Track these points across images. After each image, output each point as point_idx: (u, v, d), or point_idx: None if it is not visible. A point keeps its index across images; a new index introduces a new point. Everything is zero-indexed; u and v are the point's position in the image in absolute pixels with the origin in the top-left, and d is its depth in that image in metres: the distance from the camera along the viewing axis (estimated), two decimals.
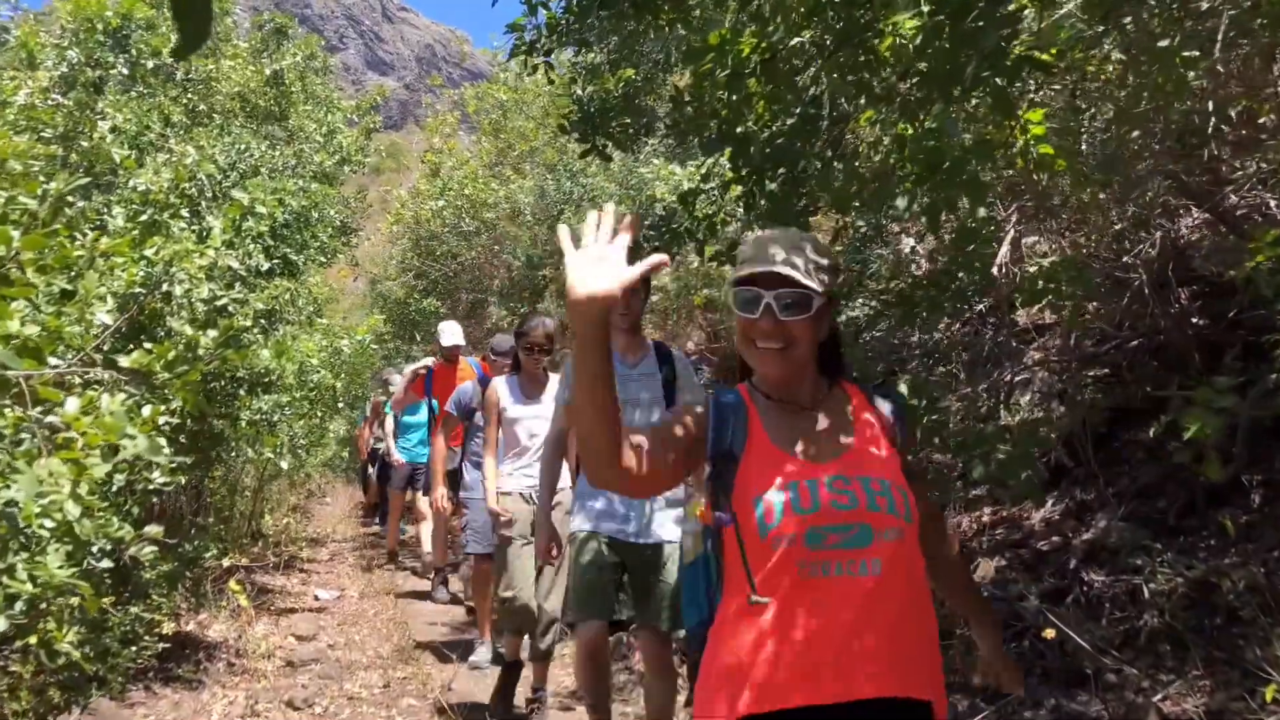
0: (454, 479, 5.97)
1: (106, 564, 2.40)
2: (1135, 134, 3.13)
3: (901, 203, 2.01)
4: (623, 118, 3.16)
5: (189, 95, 7.19)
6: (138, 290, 4.13)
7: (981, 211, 2.75)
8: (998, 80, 1.87)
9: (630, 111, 3.16)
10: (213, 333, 3.35)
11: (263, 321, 6.23)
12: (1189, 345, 4.48)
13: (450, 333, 6.87)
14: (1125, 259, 5.11)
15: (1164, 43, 2.25)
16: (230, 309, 4.30)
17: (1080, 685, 3.98)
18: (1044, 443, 4.71)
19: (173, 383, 2.76)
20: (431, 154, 10.30)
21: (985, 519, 6.02)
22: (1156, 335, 5.24)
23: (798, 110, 2.14)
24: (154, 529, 2.85)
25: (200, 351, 3.24)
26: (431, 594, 7.40)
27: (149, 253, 4.00)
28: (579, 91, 3.24)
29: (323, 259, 7.86)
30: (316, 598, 7.65)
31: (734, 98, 2.21)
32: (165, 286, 4.17)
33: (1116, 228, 5.08)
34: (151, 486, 2.57)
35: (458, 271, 10.61)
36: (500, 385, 4.63)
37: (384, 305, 11.38)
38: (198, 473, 4.84)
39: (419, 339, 12.38)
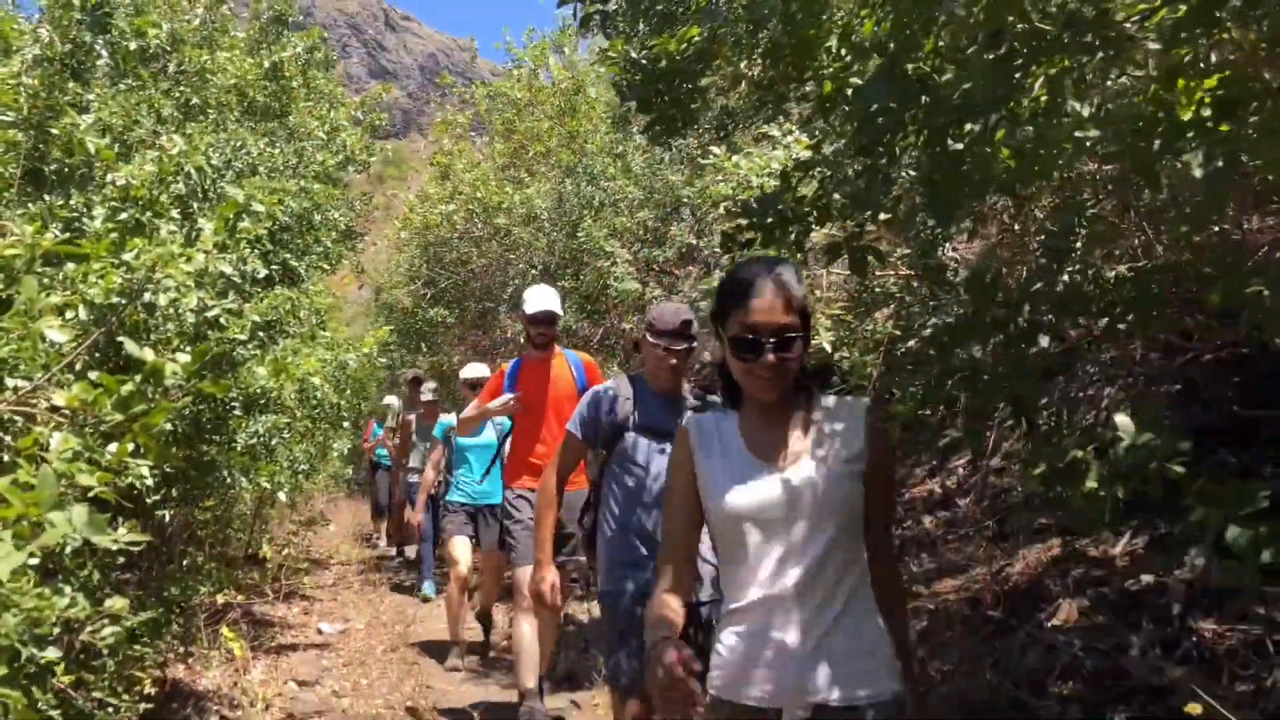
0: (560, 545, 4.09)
1: (53, 653, 1.86)
2: None
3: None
4: (693, 81, 2.61)
5: (181, 88, 6.66)
6: (116, 300, 3.59)
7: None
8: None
9: (697, 76, 2.61)
10: (183, 357, 2.75)
11: (261, 335, 5.69)
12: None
13: (543, 298, 4.72)
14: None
15: None
16: (224, 321, 3.74)
17: None
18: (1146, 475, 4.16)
19: (128, 425, 2.20)
20: (441, 155, 9.77)
21: (1055, 550, 5.44)
22: (1237, 347, 4.71)
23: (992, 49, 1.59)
24: (117, 602, 2.29)
25: (168, 382, 2.65)
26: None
27: (128, 256, 3.45)
28: (634, 54, 2.67)
29: (326, 265, 7.31)
30: (320, 631, 7.07)
31: (908, 28, 1.66)
32: (148, 295, 3.62)
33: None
34: (117, 546, 2.03)
35: (467, 279, 10.06)
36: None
37: (390, 315, 10.82)
38: (185, 507, 4.29)
39: (425, 350, 11.82)
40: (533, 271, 8.03)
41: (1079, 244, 2.70)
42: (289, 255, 6.56)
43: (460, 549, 6.07)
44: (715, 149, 4.21)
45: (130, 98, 5.37)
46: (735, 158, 4.20)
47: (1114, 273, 2.82)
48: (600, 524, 3.26)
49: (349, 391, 6.10)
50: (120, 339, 3.99)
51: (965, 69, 1.62)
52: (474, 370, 7.10)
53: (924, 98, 1.67)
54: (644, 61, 2.60)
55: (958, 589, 5.67)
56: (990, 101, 1.52)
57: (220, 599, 5.33)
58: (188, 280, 3.79)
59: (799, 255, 2.83)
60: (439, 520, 6.94)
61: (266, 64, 7.21)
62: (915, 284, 4.64)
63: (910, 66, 1.72)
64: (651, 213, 7.57)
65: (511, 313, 8.98)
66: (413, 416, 9.03)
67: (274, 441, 5.23)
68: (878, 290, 4.26)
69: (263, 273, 4.19)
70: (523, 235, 8.30)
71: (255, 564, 7.42)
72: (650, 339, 3.18)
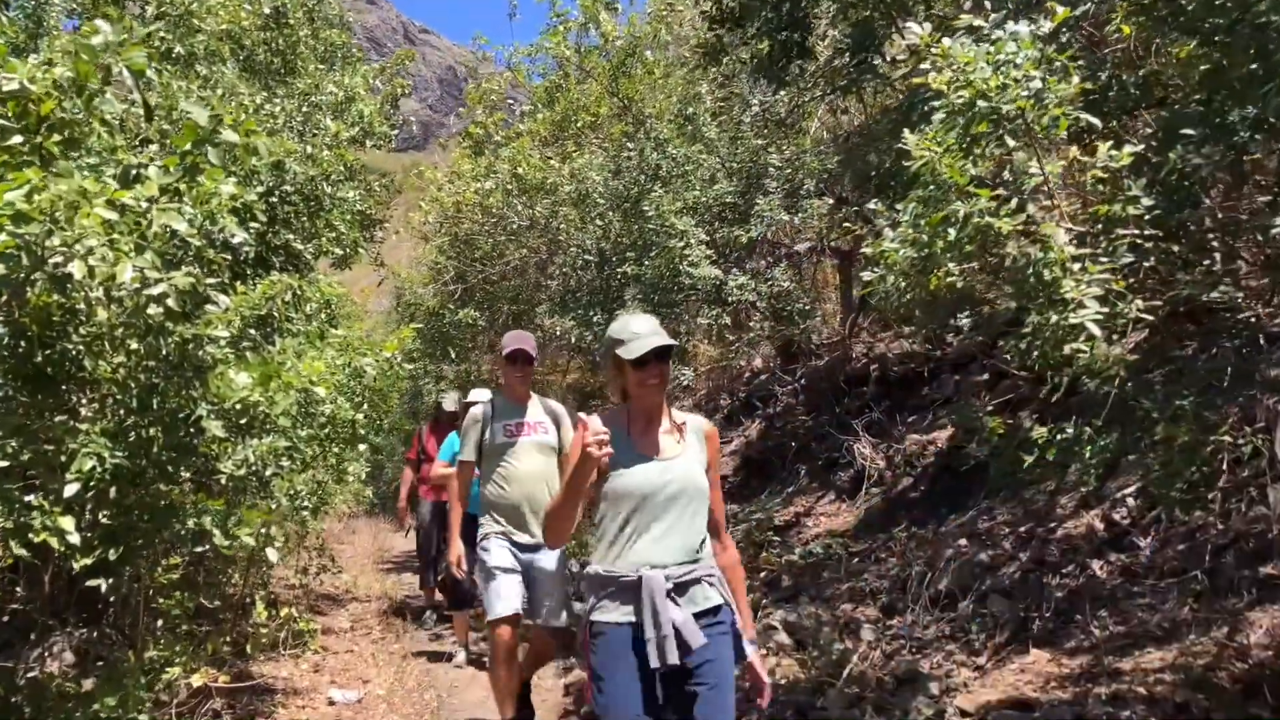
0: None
1: None
2: None
3: None
4: None
5: (163, 35, 5.40)
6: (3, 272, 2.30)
7: None
8: None
9: None
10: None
11: (252, 331, 4.38)
12: None
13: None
14: None
15: None
16: (172, 303, 2.43)
17: None
18: None
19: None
20: (476, 126, 8.48)
21: None
22: None
23: None
24: None
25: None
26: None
27: (13, 195, 2.16)
28: None
29: (339, 251, 6.03)
30: (331, 702, 5.75)
31: None
32: (56, 262, 2.33)
33: None
34: None
35: (503, 275, 8.74)
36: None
37: (413, 317, 9.55)
38: (125, 569, 2.99)
39: (453, 356, 10.52)
40: (585, 258, 6.70)
41: None
42: (291, 236, 5.27)
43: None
44: (914, 26, 2.87)
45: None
46: (949, 41, 2.86)
47: None
48: None
49: (366, 404, 4.80)
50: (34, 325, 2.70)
51: None
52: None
53: None
54: None
55: (1173, 666, 4.25)
56: None
57: (197, 680, 4.01)
58: (120, 241, 2.49)
59: None
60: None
61: (266, 8, 5.94)
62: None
63: None
64: (731, 185, 6.23)
65: (560, 312, 7.62)
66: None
67: (269, 472, 3.92)
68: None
69: (238, 243, 2.86)
70: (572, 217, 6.97)
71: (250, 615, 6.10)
72: None
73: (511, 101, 9.30)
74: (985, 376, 7.84)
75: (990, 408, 4.90)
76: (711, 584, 2.52)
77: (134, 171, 2.44)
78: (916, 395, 8.42)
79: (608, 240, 6.81)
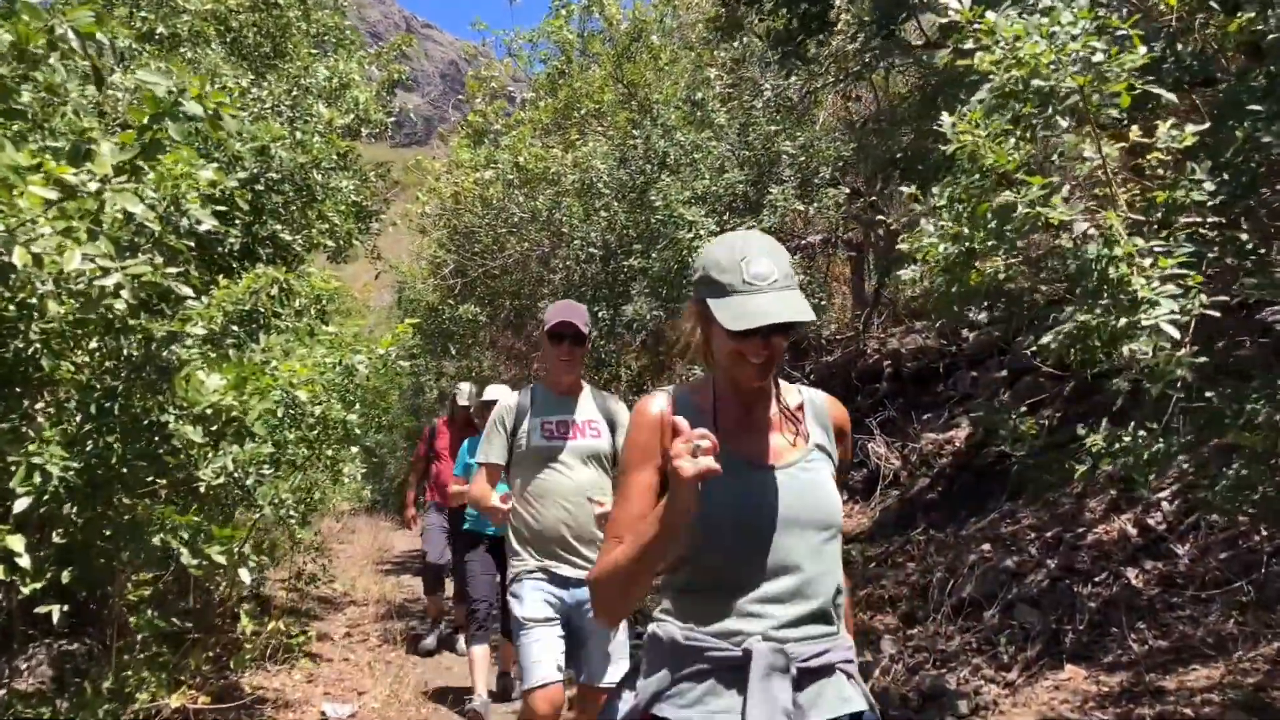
0: None
1: None
2: None
3: None
4: None
5: (144, 14, 5.12)
6: None
7: None
8: None
9: None
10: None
11: (235, 328, 4.11)
12: None
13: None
14: None
15: None
16: (126, 294, 2.15)
17: None
18: None
19: None
20: (476, 115, 8.18)
21: None
22: None
23: None
24: None
25: None
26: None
27: None
28: None
29: (331, 244, 5.75)
30: (324, 715, 5.48)
31: None
32: None
33: None
34: None
35: (502, 269, 8.46)
36: None
37: (415, 312, 9.27)
38: (81, 592, 2.72)
39: (454, 353, 10.25)
40: (590, 250, 6.41)
41: None
42: (280, 227, 4.99)
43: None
44: (954, 1, 2.58)
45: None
46: (994, 15, 2.57)
47: None
48: None
49: (357, 405, 4.52)
50: None
51: None
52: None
53: None
54: None
55: (1221, 684, 3.96)
56: None
57: (175, 701, 3.75)
58: (73, 226, 2.23)
59: None
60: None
61: None
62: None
63: None
64: (743, 173, 5.94)
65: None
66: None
67: (250, 481, 3.65)
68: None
69: (205, 230, 2.57)
70: (575, 208, 6.68)
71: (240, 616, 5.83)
72: None
73: (512, 89, 9.01)
74: (1004, 373, 7.56)
75: (1023, 408, 4.60)
76: (851, 674, 1.63)
77: (85, 148, 2.17)
78: (932, 392, 8.14)
79: (613, 232, 6.53)
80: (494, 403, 5.09)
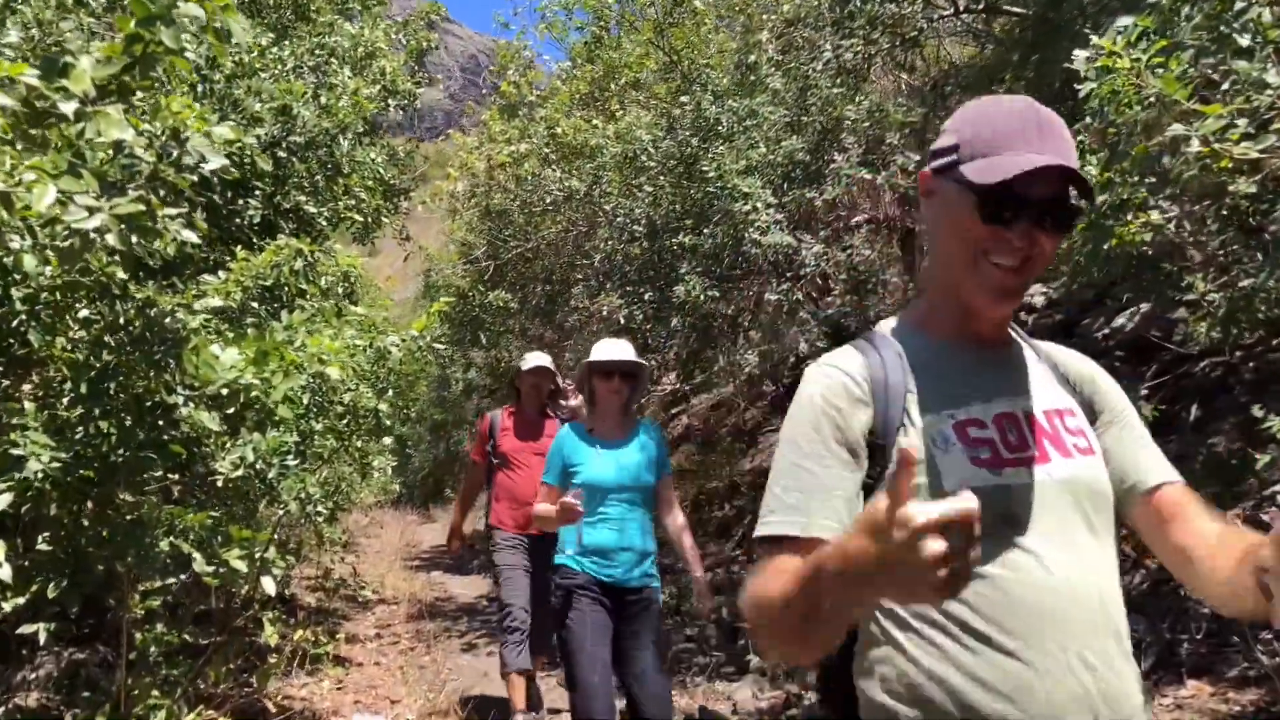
0: None
1: None
2: None
3: None
4: None
5: None
6: None
7: None
8: None
9: None
10: None
11: (255, 305, 3.70)
12: None
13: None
14: None
15: None
16: (112, 238, 1.73)
17: None
18: None
19: None
20: (509, 85, 7.74)
21: None
22: None
23: None
24: None
25: None
26: None
27: None
28: None
29: (359, 218, 5.34)
30: None
31: None
32: None
33: None
34: None
35: (536, 252, 8.03)
36: None
37: (442, 296, 8.84)
38: (75, 608, 2.32)
39: (484, 342, 9.84)
40: (634, 229, 5.96)
41: None
42: (303, 198, 4.59)
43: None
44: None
45: None
46: None
47: None
48: None
49: (390, 392, 4.11)
50: None
51: None
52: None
53: None
54: None
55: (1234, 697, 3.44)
56: None
57: (189, 718, 3.35)
58: (50, 157, 1.81)
59: None
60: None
61: None
62: None
63: None
64: (801, 140, 5.46)
65: (598, 295, 6.87)
66: None
67: (273, 474, 3.24)
68: None
69: (210, 169, 2.14)
70: (616, 183, 6.23)
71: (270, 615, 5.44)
72: None
73: (545, 59, 8.57)
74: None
75: (1144, 391, 4.11)
76: None
77: (61, 60, 1.75)
78: None
79: (658, 208, 6.06)
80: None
